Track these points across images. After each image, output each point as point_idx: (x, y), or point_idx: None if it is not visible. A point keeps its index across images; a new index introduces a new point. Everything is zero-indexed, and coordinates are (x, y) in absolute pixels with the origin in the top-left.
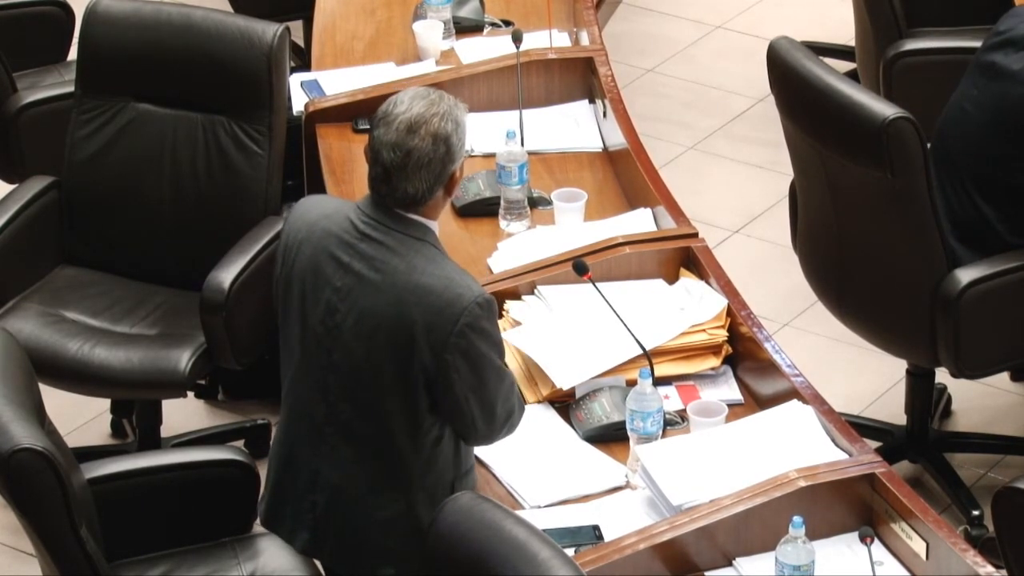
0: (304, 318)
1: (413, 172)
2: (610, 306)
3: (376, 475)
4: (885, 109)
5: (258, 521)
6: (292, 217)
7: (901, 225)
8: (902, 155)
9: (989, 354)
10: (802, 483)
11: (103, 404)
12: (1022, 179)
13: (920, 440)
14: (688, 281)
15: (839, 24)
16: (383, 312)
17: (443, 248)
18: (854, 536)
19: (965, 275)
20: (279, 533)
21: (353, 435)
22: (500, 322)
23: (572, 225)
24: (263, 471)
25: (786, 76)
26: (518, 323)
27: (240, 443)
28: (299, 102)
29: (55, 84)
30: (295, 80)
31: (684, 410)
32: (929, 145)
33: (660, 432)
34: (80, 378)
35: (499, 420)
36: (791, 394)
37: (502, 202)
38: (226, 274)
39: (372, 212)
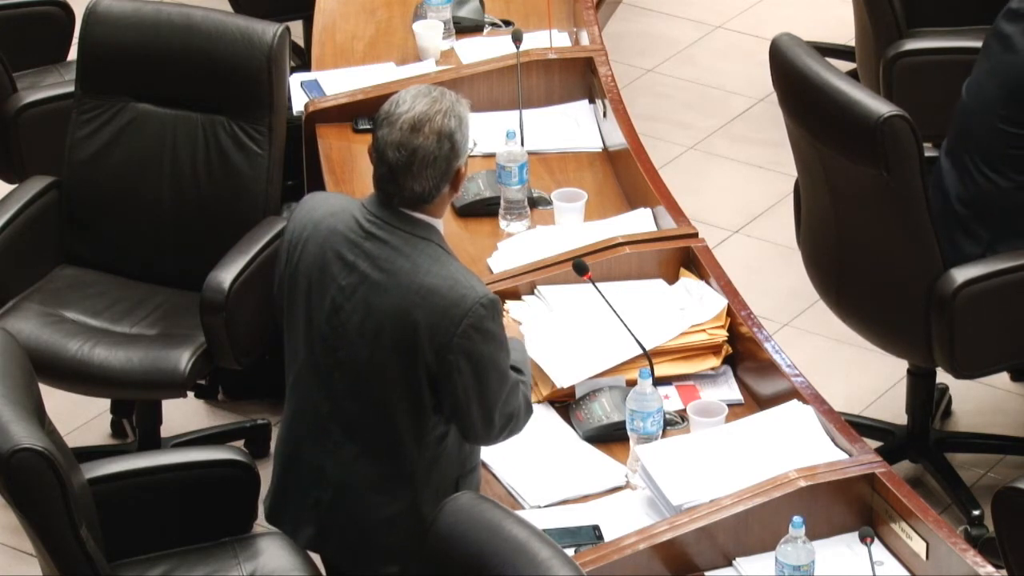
0: (309, 316)
1: (419, 171)
2: (610, 306)
3: (380, 473)
4: (880, 107)
5: (262, 517)
6: (297, 214)
7: (896, 223)
8: (897, 153)
9: (984, 354)
10: (802, 483)
11: (103, 404)
12: None
13: (921, 440)
14: (688, 281)
15: (839, 24)
16: (388, 312)
17: (448, 247)
18: (854, 536)
19: (960, 275)
20: (283, 529)
21: (357, 432)
22: None
23: (572, 225)
24: (263, 471)
25: (786, 72)
26: (518, 323)
27: (240, 443)
28: (299, 102)
29: (55, 84)
30: (295, 80)
31: (684, 410)
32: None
33: (660, 432)
34: (80, 378)
35: (497, 425)
36: (791, 394)
37: (502, 202)
38: (226, 274)
39: (377, 211)
